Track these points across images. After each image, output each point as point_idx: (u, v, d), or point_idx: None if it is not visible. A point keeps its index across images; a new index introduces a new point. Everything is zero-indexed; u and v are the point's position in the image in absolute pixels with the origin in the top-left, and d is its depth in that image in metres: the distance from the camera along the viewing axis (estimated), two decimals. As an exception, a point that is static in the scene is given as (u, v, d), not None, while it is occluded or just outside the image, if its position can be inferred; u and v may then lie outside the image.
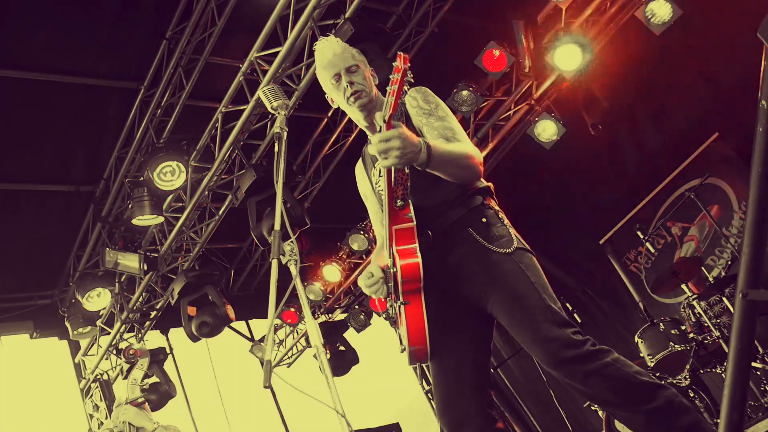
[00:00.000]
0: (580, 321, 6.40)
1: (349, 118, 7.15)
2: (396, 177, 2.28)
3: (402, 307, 2.24)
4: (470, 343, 2.35)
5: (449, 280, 2.33)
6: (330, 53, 2.46)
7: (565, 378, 2.15)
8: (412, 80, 2.13)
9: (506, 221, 2.38)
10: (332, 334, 8.43)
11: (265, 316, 8.49)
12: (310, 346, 8.30)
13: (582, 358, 2.10)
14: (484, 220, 2.33)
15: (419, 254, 2.21)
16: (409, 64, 2.06)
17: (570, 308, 6.02)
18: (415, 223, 2.27)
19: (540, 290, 2.22)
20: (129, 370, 4.47)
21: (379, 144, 2.07)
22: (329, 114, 6.67)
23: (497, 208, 2.41)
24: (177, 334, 7.51)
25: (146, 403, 4.42)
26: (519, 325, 2.21)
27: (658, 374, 4.89)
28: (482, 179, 2.46)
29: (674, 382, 4.80)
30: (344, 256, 8.00)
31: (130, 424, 4.09)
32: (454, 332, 2.35)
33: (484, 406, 2.31)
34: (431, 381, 2.43)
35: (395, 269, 2.23)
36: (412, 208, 2.30)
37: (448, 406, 2.35)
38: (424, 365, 2.52)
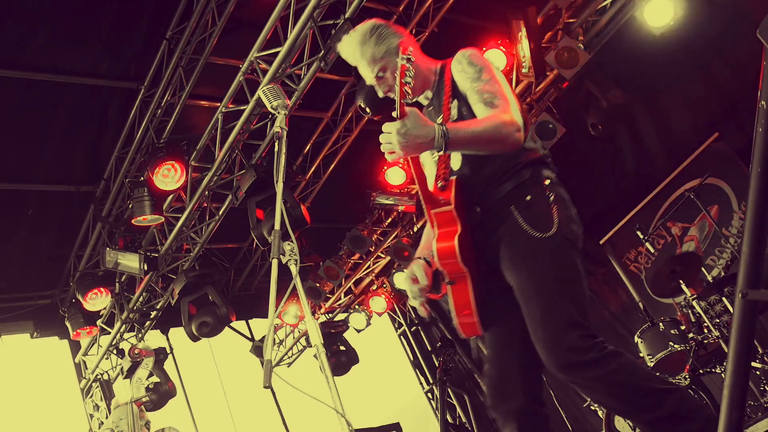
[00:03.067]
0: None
1: (349, 118, 7.15)
2: (439, 156, 2.28)
3: (449, 286, 2.23)
4: (519, 322, 2.26)
5: (493, 258, 2.29)
6: (351, 59, 2.47)
7: (568, 382, 2.12)
8: (411, 80, 2.11)
9: (553, 197, 2.25)
10: (332, 334, 8.43)
11: (265, 316, 8.50)
12: (310, 346, 8.31)
13: (585, 364, 2.05)
14: (528, 198, 2.24)
15: (456, 238, 2.17)
16: (408, 58, 2.07)
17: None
18: (453, 206, 2.22)
19: (558, 285, 2.14)
20: (131, 370, 4.47)
21: (381, 138, 2.11)
22: (329, 114, 6.67)
23: (547, 183, 2.29)
24: (177, 334, 7.51)
25: (143, 406, 4.42)
26: (529, 318, 2.16)
27: (657, 374, 4.89)
28: (541, 147, 2.38)
29: (674, 382, 4.80)
30: (344, 256, 8.00)
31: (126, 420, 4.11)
32: (503, 310, 2.29)
33: (530, 386, 2.28)
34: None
35: (433, 252, 2.23)
36: (454, 188, 2.26)
37: (494, 383, 2.34)
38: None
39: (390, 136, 2.08)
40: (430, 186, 2.37)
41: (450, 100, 2.36)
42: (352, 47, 2.42)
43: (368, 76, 2.44)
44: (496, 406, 2.31)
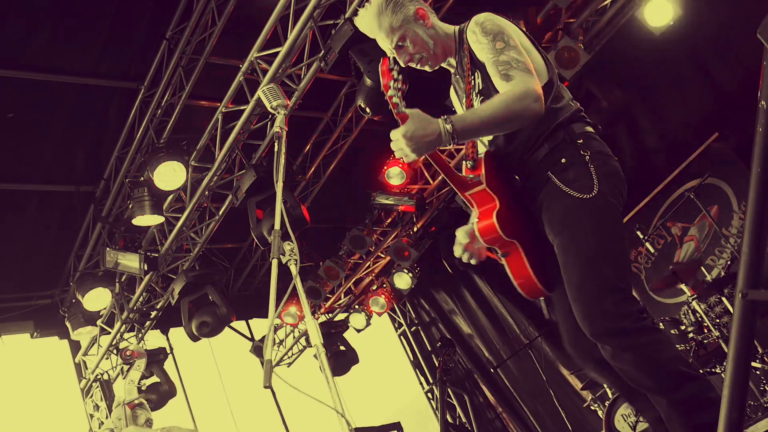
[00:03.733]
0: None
1: (349, 118, 7.15)
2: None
3: (504, 258, 2.25)
4: None
5: (540, 222, 2.28)
6: (368, 31, 2.42)
7: (600, 346, 2.12)
8: (397, 90, 2.12)
9: (589, 156, 2.19)
10: (332, 334, 8.43)
11: (265, 316, 8.50)
12: (310, 346, 8.31)
13: (617, 332, 2.05)
14: (563, 160, 2.20)
15: (495, 215, 2.17)
16: (391, 68, 2.10)
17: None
18: (485, 183, 2.22)
19: (597, 247, 2.10)
20: (127, 371, 4.46)
21: (392, 146, 2.11)
22: (329, 114, 6.67)
23: (581, 141, 2.22)
24: (177, 334, 7.51)
25: (145, 403, 4.41)
26: (567, 282, 2.15)
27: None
28: (570, 100, 2.32)
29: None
30: (344, 256, 8.00)
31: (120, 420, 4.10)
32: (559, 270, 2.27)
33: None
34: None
35: (476, 233, 2.23)
36: (483, 164, 2.25)
37: (571, 340, 2.34)
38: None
39: (398, 143, 2.08)
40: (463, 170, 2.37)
41: (471, 70, 2.33)
42: (368, 19, 2.37)
43: (387, 47, 2.39)
44: (585, 363, 2.33)
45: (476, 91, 2.32)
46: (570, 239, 2.15)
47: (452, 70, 2.50)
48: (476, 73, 2.32)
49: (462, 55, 2.37)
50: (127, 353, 4.51)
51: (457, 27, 2.45)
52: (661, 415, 2.11)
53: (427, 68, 2.43)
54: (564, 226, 2.16)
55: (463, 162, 2.35)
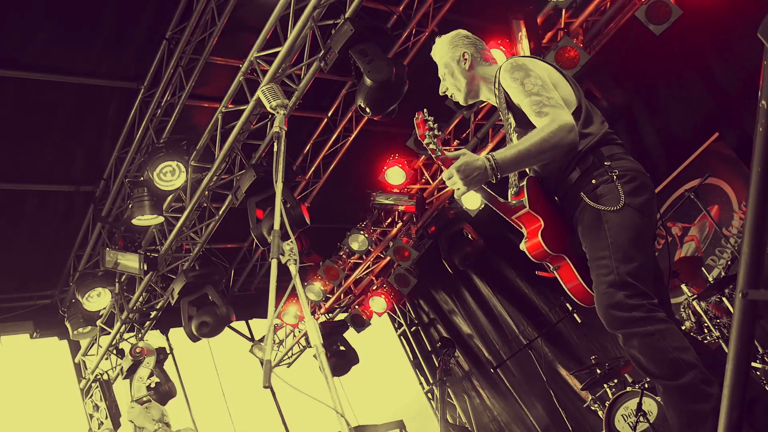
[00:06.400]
0: (580, 321, 6.40)
1: (349, 118, 7.16)
2: None
3: (555, 271, 2.50)
4: None
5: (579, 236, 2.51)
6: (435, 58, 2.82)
7: (612, 333, 2.31)
8: (437, 132, 2.42)
9: (617, 174, 2.38)
10: (332, 334, 8.43)
11: (265, 316, 8.50)
12: (310, 346, 8.31)
13: (627, 321, 2.22)
14: (594, 181, 2.41)
15: (540, 234, 2.44)
16: (425, 122, 2.42)
17: (570, 308, 6.02)
18: (528, 206, 2.48)
19: (613, 250, 2.30)
20: (132, 369, 4.42)
21: (447, 183, 2.41)
22: (329, 114, 6.67)
23: (609, 162, 2.41)
24: (177, 334, 7.51)
25: (151, 401, 4.39)
26: (592, 279, 2.38)
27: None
28: (600, 123, 2.53)
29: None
30: (344, 256, 8.00)
31: (132, 423, 4.07)
32: None
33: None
34: None
35: (526, 252, 2.53)
36: (526, 189, 2.51)
37: None
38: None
39: (454, 178, 2.34)
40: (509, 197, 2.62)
41: (507, 111, 2.61)
42: (434, 50, 2.79)
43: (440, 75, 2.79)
44: None
45: (513, 128, 2.61)
46: (593, 240, 2.35)
47: (497, 104, 2.77)
48: (511, 113, 2.59)
49: (501, 95, 2.63)
50: (137, 350, 4.46)
51: (497, 66, 2.72)
52: (662, 402, 2.20)
53: (459, 101, 2.78)
54: (591, 230, 2.37)
55: (509, 189, 2.59)
